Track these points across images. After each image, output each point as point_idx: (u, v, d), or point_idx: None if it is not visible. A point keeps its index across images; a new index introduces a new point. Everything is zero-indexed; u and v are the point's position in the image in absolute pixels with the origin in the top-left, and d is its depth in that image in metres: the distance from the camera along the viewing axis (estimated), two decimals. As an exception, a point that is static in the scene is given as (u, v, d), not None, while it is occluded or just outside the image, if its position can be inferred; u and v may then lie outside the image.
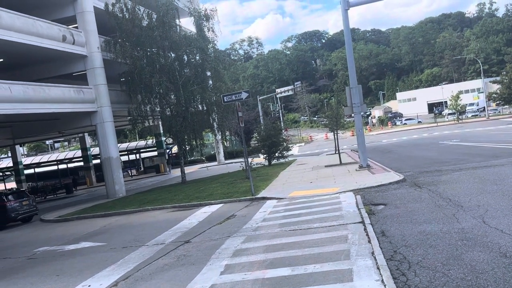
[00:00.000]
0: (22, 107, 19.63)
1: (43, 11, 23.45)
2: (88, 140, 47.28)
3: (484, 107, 64.78)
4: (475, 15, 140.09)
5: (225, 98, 16.39)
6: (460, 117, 61.92)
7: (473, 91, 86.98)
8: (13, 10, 19.52)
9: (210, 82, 27.07)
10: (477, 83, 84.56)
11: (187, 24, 29.65)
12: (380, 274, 6.06)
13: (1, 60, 22.85)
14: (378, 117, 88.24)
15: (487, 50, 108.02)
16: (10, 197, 20.14)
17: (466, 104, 71.19)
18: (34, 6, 23.19)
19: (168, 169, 44.52)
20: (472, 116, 68.53)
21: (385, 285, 5.66)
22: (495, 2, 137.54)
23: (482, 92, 67.46)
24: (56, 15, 24.09)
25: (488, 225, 7.74)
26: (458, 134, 36.33)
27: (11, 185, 44.68)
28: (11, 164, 45.11)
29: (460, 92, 68.60)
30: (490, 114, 61.77)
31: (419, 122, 71.68)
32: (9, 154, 51.77)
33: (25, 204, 20.26)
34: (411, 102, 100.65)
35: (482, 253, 6.35)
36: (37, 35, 20.60)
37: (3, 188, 41.79)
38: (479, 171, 14.21)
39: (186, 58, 25.95)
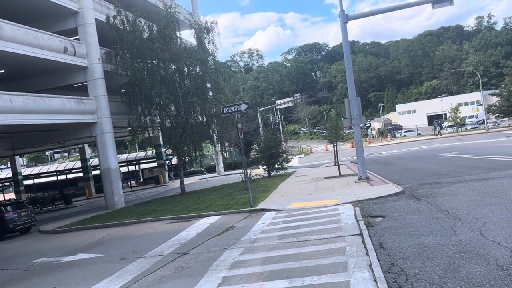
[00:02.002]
0: (23, 118, 19.70)
1: (45, 23, 23.70)
2: (88, 151, 47.32)
3: (484, 120, 64.98)
4: (474, 28, 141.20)
5: (224, 109, 16.48)
6: (441, 131, 62.81)
7: (472, 104, 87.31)
8: (15, 22, 19.72)
9: (210, 93, 27.22)
10: (476, 95, 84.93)
11: (187, 36, 29.97)
12: (377, 286, 6.05)
13: (2, 71, 23.02)
14: (378, 129, 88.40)
15: (486, 63, 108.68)
16: (8, 208, 20.10)
17: (466, 117, 71.43)
18: (36, 18, 23.45)
19: (172, 177, 44.60)
20: (471, 128, 68.71)
21: (382, 298, 5.65)
22: (493, 16, 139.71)
23: (481, 105, 67.76)
24: (58, 27, 24.33)
25: (485, 237, 7.74)
26: (457, 146, 36.38)
27: (10, 195, 44.56)
28: (10, 175, 45.05)
29: (460, 105, 68.92)
30: (489, 127, 61.92)
31: (419, 134, 71.83)
32: (9, 165, 51.72)
33: (24, 215, 20.23)
34: (411, 114, 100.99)
35: (479, 265, 6.35)
36: (38, 47, 20.77)
37: (2, 198, 41.70)
38: (478, 184, 14.22)
39: (186, 70, 26.13)
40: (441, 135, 60.38)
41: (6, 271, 11.60)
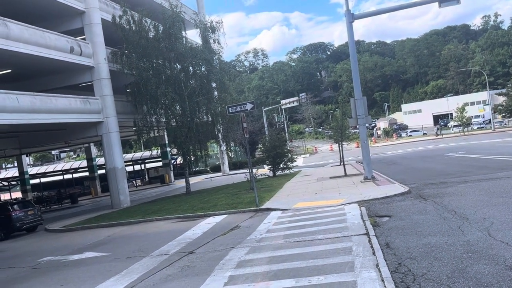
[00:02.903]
0: (29, 117, 19.82)
1: (52, 23, 23.81)
2: (94, 150, 47.53)
3: (490, 119, 64.60)
4: (480, 27, 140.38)
5: (230, 109, 16.50)
6: (438, 132, 62.35)
7: (478, 103, 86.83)
8: (22, 21, 19.83)
9: (216, 93, 27.24)
10: (483, 95, 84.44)
11: (193, 36, 30.02)
12: (385, 286, 6.03)
13: (9, 70, 23.16)
14: (383, 128, 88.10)
15: (492, 63, 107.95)
16: (15, 206, 20.22)
17: (472, 116, 71.02)
18: (43, 18, 23.57)
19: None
20: (477, 128, 68.32)
21: (389, 298, 5.63)
22: (500, 15, 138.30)
23: (488, 104, 67.34)
24: (64, 27, 24.46)
25: (493, 238, 7.69)
26: (463, 146, 36.17)
27: (17, 194, 44.85)
28: (17, 174, 45.34)
29: (466, 104, 68.56)
30: (496, 126, 61.51)
31: (424, 134, 71.52)
32: (16, 164, 52.05)
33: (30, 213, 20.34)
34: (416, 114, 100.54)
35: (487, 266, 6.31)
36: (45, 46, 20.88)
37: (9, 197, 41.97)
38: (485, 184, 14.13)
39: (191, 70, 26.17)
40: (442, 135, 60.23)
41: (13, 269, 11.67)
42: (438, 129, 65.15)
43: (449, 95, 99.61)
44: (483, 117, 75.69)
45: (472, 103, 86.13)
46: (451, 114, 78.03)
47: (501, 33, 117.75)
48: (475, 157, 24.49)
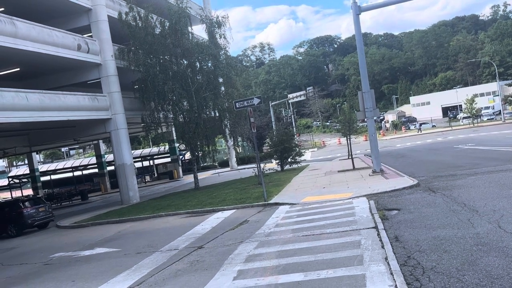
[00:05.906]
0: (39, 115, 19.96)
1: (59, 20, 23.93)
2: (103, 147, 47.84)
3: (500, 111, 63.84)
4: (490, 17, 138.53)
5: (237, 104, 16.50)
6: (421, 128, 62.72)
7: (488, 94, 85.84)
8: (30, 20, 19.94)
9: (222, 88, 27.24)
10: (493, 86, 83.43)
11: (199, 31, 29.96)
12: (394, 279, 6.02)
13: (18, 69, 23.32)
14: (392, 121, 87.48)
15: (502, 53, 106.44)
16: (27, 203, 20.46)
17: (482, 108, 70.22)
18: (50, 16, 23.68)
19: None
20: (487, 119, 67.58)
21: (398, 291, 5.62)
22: (509, 4, 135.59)
23: (498, 95, 66.54)
24: (71, 24, 24.56)
25: (504, 230, 7.63)
26: (473, 138, 35.83)
27: (28, 191, 45.38)
28: (27, 171, 45.83)
29: (475, 96, 67.74)
30: (506, 118, 60.77)
31: (433, 126, 70.95)
32: (26, 161, 52.61)
33: (42, 210, 20.56)
34: (425, 106, 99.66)
35: (497, 258, 6.27)
36: (53, 44, 20.99)
37: (20, 194, 42.47)
38: (495, 176, 14.00)
39: (198, 65, 26.16)
40: (421, 132, 60.72)
41: (26, 266, 11.83)
42: (420, 125, 65.42)
43: (458, 86, 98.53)
44: (493, 109, 74.82)
45: (482, 94, 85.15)
46: (460, 105, 77.26)
47: (511, 23, 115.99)
48: (485, 149, 24.26)
